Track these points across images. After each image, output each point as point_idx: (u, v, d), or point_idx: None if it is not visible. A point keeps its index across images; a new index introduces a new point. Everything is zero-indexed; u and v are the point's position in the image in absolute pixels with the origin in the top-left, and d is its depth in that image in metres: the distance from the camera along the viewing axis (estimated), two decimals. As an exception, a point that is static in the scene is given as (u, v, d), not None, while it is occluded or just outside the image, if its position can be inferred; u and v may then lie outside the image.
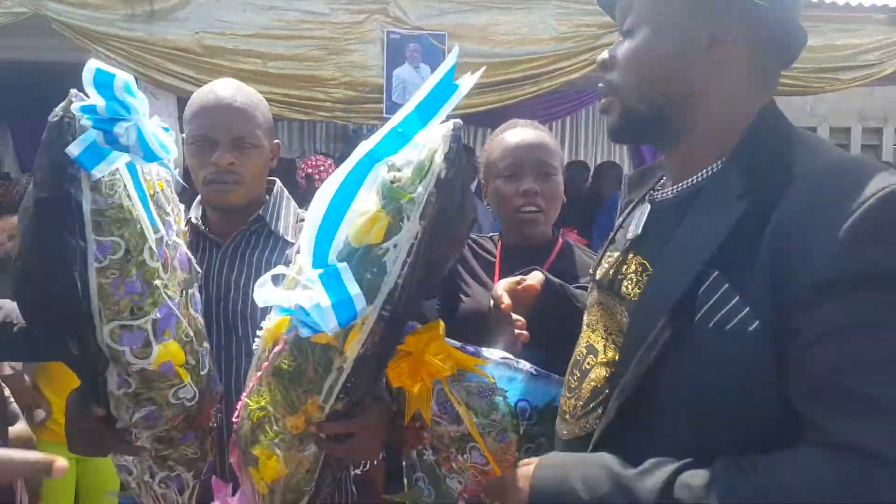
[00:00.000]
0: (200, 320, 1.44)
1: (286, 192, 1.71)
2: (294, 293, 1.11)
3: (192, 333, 1.35)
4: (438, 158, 1.07)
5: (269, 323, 1.26)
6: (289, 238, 1.61)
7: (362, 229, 1.10)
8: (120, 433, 1.34)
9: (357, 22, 4.10)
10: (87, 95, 1.20)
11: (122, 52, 3.87)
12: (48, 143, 1.18)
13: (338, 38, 4.07)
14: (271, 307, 1.21)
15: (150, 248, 1.25)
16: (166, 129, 1.30)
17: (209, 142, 1.53)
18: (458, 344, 1.31)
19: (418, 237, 1.09)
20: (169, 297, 1.29)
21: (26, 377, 2.55)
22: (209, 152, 1.52)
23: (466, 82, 1.13)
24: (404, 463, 1.44)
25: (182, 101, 4.17)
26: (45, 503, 2.75)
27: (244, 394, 1.33)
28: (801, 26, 0.99)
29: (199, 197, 1.65)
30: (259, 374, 1.27)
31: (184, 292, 1.37)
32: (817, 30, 4.45)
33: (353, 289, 1.07)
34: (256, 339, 1.31)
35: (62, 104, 1.19)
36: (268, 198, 1.65)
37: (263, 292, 1.13)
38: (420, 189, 1.07)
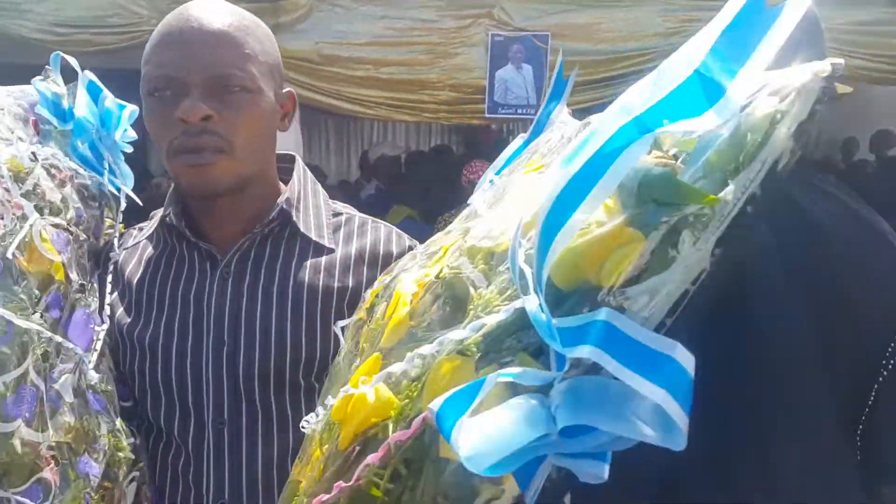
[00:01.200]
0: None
1: (310, 173, 1.21)
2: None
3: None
4: (783, 130, 0.56)
5: (351, 400, 0.71)
6: (324, 242, 1.10)
7: (586, 257, 0.60)
8: None
9: (463, 26, 4.30)
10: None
11: (251, 62, 4.27)
12: None
13: (444, 43, 4.29)
14: (336, 360, 0.87)
15: None
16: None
17: (174, 87, 1.00)
18: None
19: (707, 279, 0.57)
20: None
21: None
22: (174, 104, 0.99)
23: None
24: None
25: (312, 110, 4.56)
26: None
27: None
28: None
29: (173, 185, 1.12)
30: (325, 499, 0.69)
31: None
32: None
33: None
34: (310, 422, 0.81)
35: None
36: (291, 181, 1.12)
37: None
38: (733, 187, 0.57)
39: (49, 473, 0.88)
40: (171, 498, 1.06)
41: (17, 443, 0.86)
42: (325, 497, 0.68)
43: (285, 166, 1.17)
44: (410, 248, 1.10)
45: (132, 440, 1.02)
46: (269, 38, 1.11)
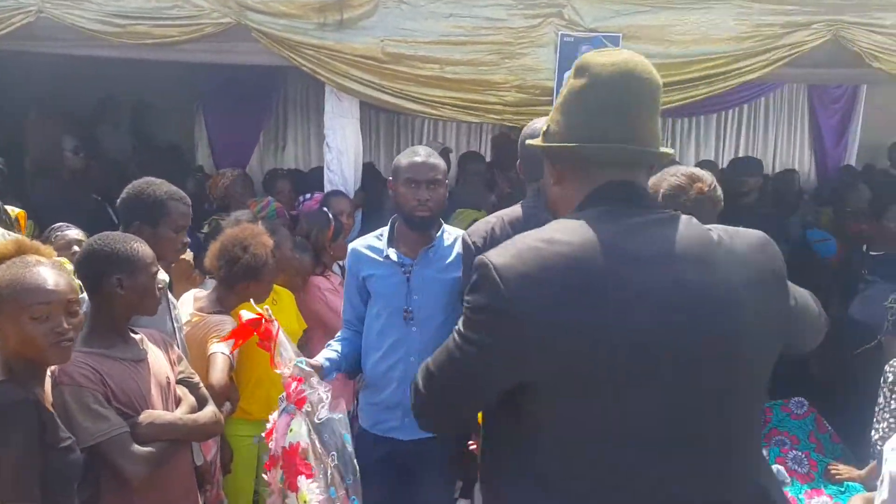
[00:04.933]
0: None
1: None
2: None
3: None
4: None
5: None
6: None
7: None
8: None
9: (532, 26, 4.19)
10: None
11: (313, 59, 4.18)
12: None
13: (512, 43, 4.18)
14: None
15: None
16: None
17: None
18: None
19: None
20: None
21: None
22: None
23: None
24: None
25: (364, 105, 4.47)
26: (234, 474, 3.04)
27: None
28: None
29: None
30: None
31: None
32: None
33: None
34: None
35: None
36: None
37: None
38: None
39: None
40: None
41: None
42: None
43: None
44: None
45: None
46: None
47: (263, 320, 2.13)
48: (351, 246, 2.90)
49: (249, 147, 7.09)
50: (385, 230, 2.84)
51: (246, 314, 2.17)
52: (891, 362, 2.94)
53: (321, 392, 2.14)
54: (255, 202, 4.22)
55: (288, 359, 2.13)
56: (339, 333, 2.91)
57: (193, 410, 2.35)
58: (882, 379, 2.96)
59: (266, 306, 2.22)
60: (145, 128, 7.24)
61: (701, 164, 6.76)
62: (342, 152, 4.44)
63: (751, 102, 7.43)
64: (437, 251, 2.76)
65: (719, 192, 2.49)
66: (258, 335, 2.13)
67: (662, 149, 1.47)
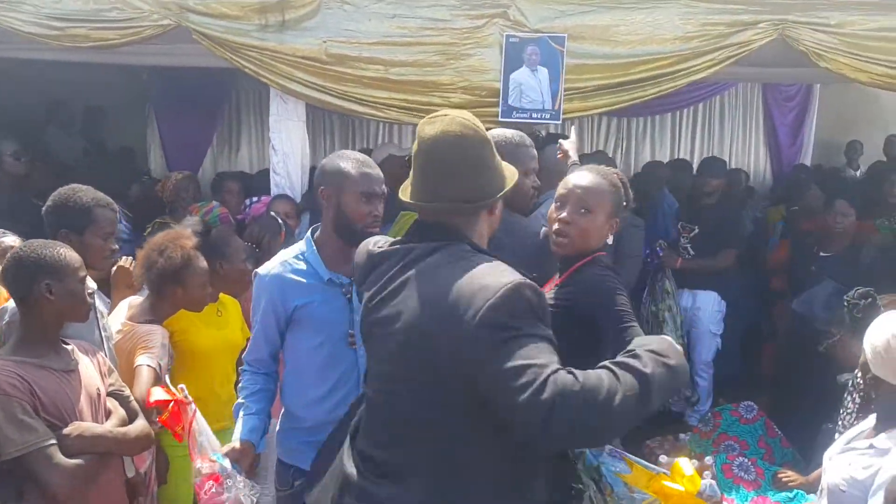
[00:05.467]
0: None
1: None
2: None
3: None
4: None
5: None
6: None
7: None
8: None
9: (477, 27, 4.14)
10: None
11: (255, 60, 4.10)
12: None
13: (457, 44, 4.13)
14: None
15: None
16: None
17: None
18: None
19: None
20: None
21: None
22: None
23: None
24: None
25: (309, 107, 4.40)
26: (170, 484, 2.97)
27: None
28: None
29: None
30: None
31: None
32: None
33: None
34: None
35: None
36: None
37: None
38: None
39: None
40: None
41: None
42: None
43: None
44: None
45: None
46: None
47: (172, 403, 2.04)
48: (267, 273, 2.50)
49: (202, 149, 7.03)
50: (303, 248, 2.51)
51: (156, 393, 2.10)
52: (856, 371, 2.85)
53: (245, 497, 2.00)
54: (197, 207, 4.12)
55: (208, 448, 2.02)
56: (242, 381, 2.56)
57: (124, 423, 2.33)
58: (850, 384, 2.90)
59: (182, 385, 2.14)
60: (97, 131, 7.12)
61: (674, 165, 6.80)
62: (288, 155, 4.37)
63: (705, 101, 7.47)
64: None
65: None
66: (168, 416, 2.05)
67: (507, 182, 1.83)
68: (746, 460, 3.66)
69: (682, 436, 4.56)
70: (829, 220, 4.71)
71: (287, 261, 2.49)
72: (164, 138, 7.00)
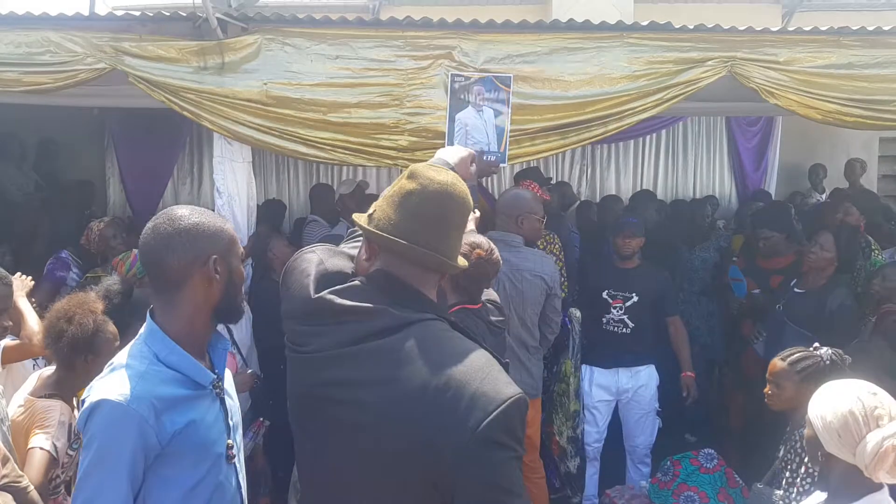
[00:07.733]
0: None
1: None
2: None
3: None
4: None
5: None
6: None
7: None
8: None
9: (422, 68, 4.07)
10: None
11: (194, 103, 4.00)
12: None
13: (402, 84, 4.06)
14: None
15: None
16: None
17: None
18: None
19: None
20: None
21: None
22: None
23: None
24: None
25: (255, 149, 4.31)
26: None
27: None
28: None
29: None
30: None
31: None
32: None
33: None
34: None
35: None
36: None
37: None
38: None
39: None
40: None
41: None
42: None
43: None
44: None
45: None
46: None
47: None
48: (128, 398, 1.66)
49: (163, 182, 6.88)
50: (154, 347, 1.77)
51: None
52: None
53: None
54: (120, 261, 3.88)
55: None
56: None
57: None
58: (797, 442, 2.82)
59: None
60: (51, 165, 6.97)
61: (636, 196, 6.75)
62: (233, 197, 4.27)
63: (668, 128, 7.45)
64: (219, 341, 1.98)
65: (496, 255, 3.04)
66: None
67: (460, 261, 1.77)
68: (707, 512, 3.58)
69: (642, 483, 4.47)
70: (808, 252, 4.56)
71: (144, 372, 1.73)
72: (123, 171, 6.81)
